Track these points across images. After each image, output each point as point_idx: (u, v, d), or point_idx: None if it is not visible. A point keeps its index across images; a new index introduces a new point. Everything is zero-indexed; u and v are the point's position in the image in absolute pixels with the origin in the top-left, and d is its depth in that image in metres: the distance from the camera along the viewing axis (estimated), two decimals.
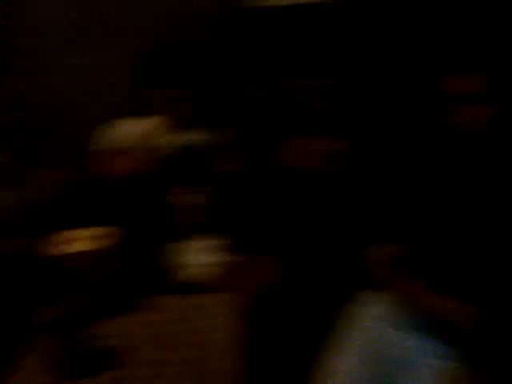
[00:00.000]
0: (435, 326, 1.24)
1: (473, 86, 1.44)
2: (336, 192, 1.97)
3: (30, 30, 2.64)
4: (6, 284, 1.82)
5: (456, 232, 1.42)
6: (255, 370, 1.39)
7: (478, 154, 1.50)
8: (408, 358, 1.21)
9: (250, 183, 2.26)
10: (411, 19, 2.29)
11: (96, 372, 1.32)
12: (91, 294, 1.57)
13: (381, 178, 1.83)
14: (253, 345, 1.45)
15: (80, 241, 1.58)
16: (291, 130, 2.13)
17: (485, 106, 1.44)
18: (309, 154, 2.09)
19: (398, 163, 1.77)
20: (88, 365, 1.33)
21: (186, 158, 2.15)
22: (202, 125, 2.23)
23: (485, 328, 1.29)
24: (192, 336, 1.44)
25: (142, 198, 1.94)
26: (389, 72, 2.33)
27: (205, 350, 1.38)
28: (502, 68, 1.52)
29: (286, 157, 2.10)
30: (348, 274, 1.76)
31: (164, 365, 1.34)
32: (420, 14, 2.29)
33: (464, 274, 1.38)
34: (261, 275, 1.82)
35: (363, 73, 2.36)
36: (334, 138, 2.07)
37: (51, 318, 1.51)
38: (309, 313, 1.76)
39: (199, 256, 1.97)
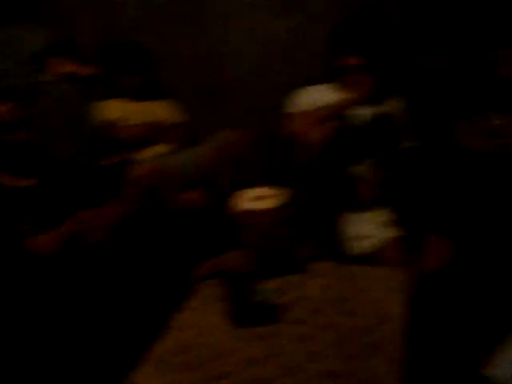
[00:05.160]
0: None
1: None
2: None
3: None
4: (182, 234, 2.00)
5: None
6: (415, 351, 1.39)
7: None
8: None
9: (426, 161, 2.23)
10: None
11: (255, 323, 1.40)
12: (263, 250, 1.63)
13: None
14: (415, 326, 1.45)
15: (260, 199, 1.65)
16: (476, 107, 2.07)
17: None
18: (486, 136, 2.03)
19: None
20: (249, 315, 1.41)
21: (371, 129, 2.16)
22: (386, 96, 2.22)
23: None
24: (363, 306, 1.47)
25: (326, 164, 2.00)
26: None
27: (370, 320, 1.40)
28: None
29: (463, 137, 2.06)
30: None
31: (324, 328, 1.38)
32: None
33: None
34: (434, 255, 1.83)
35: None
36: None
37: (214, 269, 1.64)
38: (479, 299, 1.74)
39: (375, 229, 2.05)
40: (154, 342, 1.37)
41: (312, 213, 2.04)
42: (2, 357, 1.59)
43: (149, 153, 2.49)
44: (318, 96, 2.15)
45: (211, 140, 2.38)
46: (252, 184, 2.13)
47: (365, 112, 2.12)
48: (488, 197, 1.90)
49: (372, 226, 2.01)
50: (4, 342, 1.63)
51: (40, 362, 1.57)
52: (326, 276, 1.62)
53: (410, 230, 2.00)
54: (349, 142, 2.08)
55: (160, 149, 2.51)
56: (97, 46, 2.76)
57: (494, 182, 1.91)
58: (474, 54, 2.25)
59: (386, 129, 2.14)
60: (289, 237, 1.70)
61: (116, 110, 2.56)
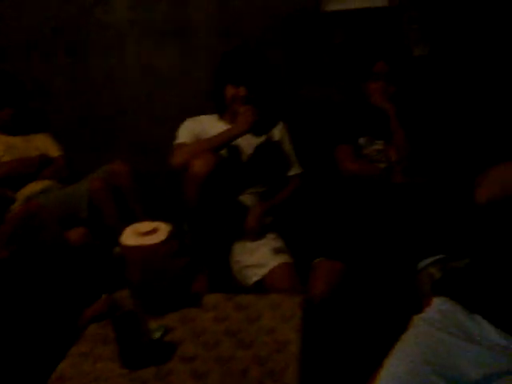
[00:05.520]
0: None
1: None
2: (394, 203, 1.99)
3: (107, 25, 2.62)
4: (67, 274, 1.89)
5: None
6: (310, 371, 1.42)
7: None
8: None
9: (312, 187, 2.32)
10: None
11: (149, 363, 1.34)
12: (151, 287, 1.56)
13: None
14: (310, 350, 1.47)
15: (146, 234, 1.56)
16: (352, 134, 2.16)
17: None
18: (362, 162, 2.14)
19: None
20: (142, 356, 1.34)
21: (256, 158, 2.18)
22: (270, 126, 2.26)
23: None
24: (258, 335, 1.46)
25: (213, 195, 1.95)
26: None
27: (266, 349, 1.39)
28: None
29: (341, 162, 2.13)
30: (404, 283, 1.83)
31: (220, 361, 1.35)
32: None
33: None
34: (323, 278, 1.85)
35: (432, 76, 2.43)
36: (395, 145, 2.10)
37: (102, 308, 1.54)
38: (365, 318, 1.81)
39: (266, 256, 2.02)
40: None
41: (203, 245, 2.02)
42: None
43: (26, 190, 2.34)
44: (203, 126, 2.16)
45: (95, 174, 2.30)
46: (139, 218, 2.08)
47: (250, 142, 2.17)
48: (370, 219, 2.01)
49: (262, 253, 2.03)
50: None
51: None
52: (219, 308, 1.60)
53: (300, 256, 2.05)
54: (234, 172, 2.11)
55: (38, 185, 2.37)
56: None
57: (372, 205, 2.03)
58: (350, 84, 2.41)
59: (270, 158, 2.20)
60: (179, 271, 1.67)
61: None
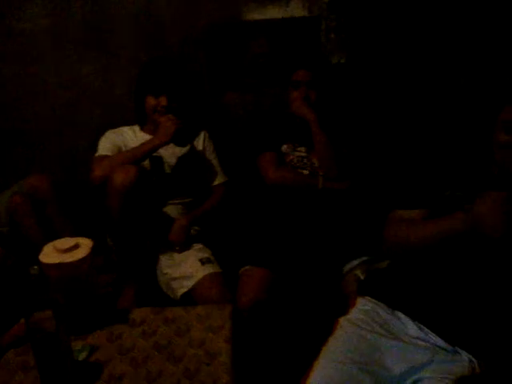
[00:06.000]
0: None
1: None
2: (317, 209, 2.04)
3: (22, 33, 2.49)
4: None
5: None
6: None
7: None
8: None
9: (238, 196, 2.33)
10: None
11: None
12: (75, 305, 1.49)
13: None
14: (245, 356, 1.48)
15: (67, 251, 1.48)
16: (273, 141, 2.16)
17: None
18: (286, 168, 2.13)
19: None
20: (65, 379, 1.27)
21: (179, 169, 2.14)
22: (193, 136, 2.25)
23: None
24: (188, 348, 1.43)
25: (136, 207, 1.90)
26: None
27: (197, 361, 1.37)
28: None
29: (264, 169, 2.12)
30: (330, 287, 1.87)
31: (151, 378, 1.32)
32: None
33: None
34: (255, 287, 1.85)
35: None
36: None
37: (21, 332, 1.46)
38: (297, 324, 1.82)
39: (193, 267, 1.99)
40: None
41: (129, 259, 1.98)
42: None
43: None
44: (124, 138, 2.12)
45: (14, 187, 2.20)
46: (62, 233, 2.00)
47: (172, 152, 2.15)
48: (295, 225, 2.04)
49: (189, 265, 2.01)
50: None
51: None
52: (146, 323, 1.56)
53: (228, 265, 2.05)
54: (158, 183, 2.08)
55: None
56: None
57: (297, 211, 2.06)
58: (272, 92, 2.45)
59: (194, 167, 2.19)
60: (103, 287, 1.62)
61: None
